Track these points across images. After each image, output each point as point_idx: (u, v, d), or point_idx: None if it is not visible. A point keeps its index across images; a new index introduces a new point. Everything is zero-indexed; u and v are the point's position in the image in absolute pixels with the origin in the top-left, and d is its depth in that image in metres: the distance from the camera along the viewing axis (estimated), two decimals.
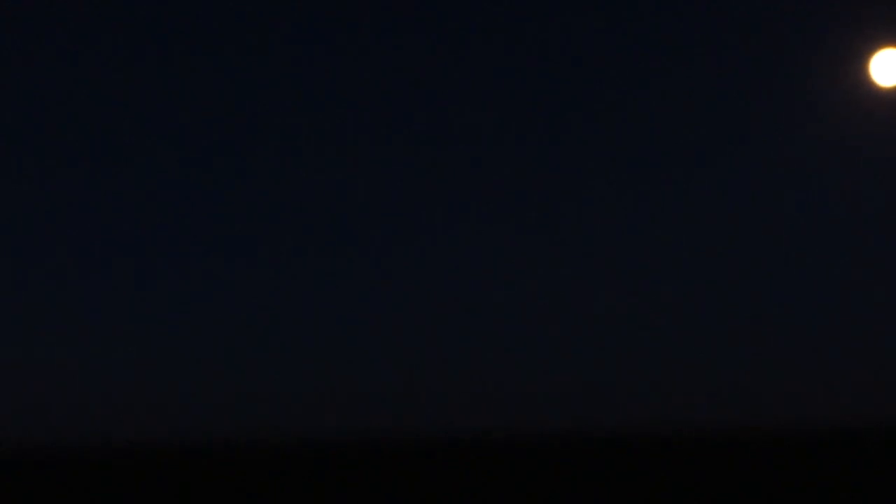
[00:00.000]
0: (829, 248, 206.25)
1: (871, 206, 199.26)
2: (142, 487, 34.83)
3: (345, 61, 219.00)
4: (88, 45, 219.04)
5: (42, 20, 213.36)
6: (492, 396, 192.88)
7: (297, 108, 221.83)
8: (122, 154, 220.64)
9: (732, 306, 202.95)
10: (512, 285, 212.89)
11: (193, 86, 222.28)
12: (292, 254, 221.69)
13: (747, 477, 32.42)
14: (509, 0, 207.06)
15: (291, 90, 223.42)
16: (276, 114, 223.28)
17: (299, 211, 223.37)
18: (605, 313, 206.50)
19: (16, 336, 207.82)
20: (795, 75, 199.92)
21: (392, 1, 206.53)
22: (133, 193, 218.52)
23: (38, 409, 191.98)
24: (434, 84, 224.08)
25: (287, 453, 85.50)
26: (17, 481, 42.18)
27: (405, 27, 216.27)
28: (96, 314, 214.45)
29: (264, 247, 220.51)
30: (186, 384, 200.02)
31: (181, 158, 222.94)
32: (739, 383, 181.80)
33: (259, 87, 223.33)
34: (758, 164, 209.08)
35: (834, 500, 22.71)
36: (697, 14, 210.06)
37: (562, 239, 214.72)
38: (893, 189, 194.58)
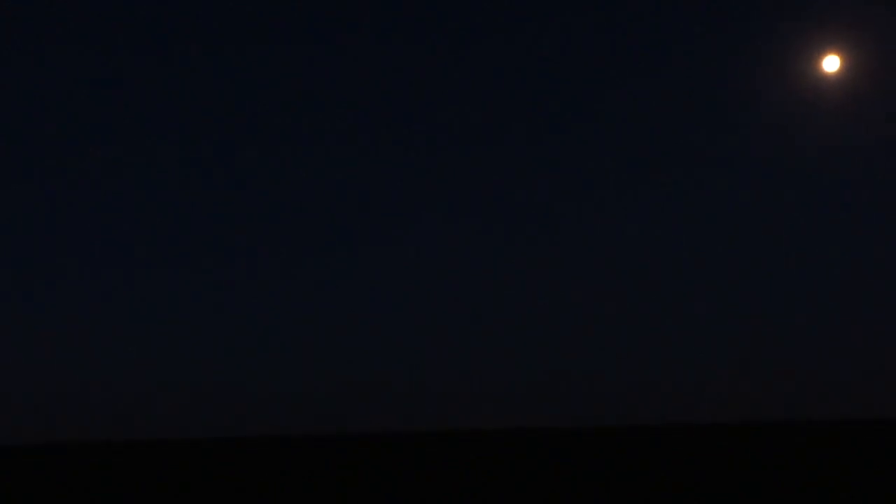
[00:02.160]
0: (808, 243, 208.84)
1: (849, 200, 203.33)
2: (142, 486, 34.93)
3: (344, 61, 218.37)
4: (88, 46, 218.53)
5: (42, 20, 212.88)
6: (488, 394, 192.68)
7: (296, 109, 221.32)
8: (123, 154, 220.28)
9: (721, 304, 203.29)
10: (510, 285, 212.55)
11: (193, 86, 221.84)
12: (292, 253, 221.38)
13: (746, 476, 32.54)
14: (503, 0, 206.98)
15: (291, 90, 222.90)
16: (276, 114, 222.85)
17: (299, 211, 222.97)
18: (604, 313, 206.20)
19: (17, 335, 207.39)
20: (755, 80, 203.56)
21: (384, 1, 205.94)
22: (133, 193, 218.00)
23: (39, 408, 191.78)
24: (432, 85, 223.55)
25: (285, 450, 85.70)
26: (18, 480, 42.29)
27: (402, 27, 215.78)
28: (97, 313, 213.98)
29: (264, 247, 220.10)
30: (186, 383, 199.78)
31: (181, 158, 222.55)
32: (737, 382, 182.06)
33: (259, 88, 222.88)
34: (732, 163, 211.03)
35: (833, 497, 22.81)
36: (667, 16, 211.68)
37: (559, 239, 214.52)
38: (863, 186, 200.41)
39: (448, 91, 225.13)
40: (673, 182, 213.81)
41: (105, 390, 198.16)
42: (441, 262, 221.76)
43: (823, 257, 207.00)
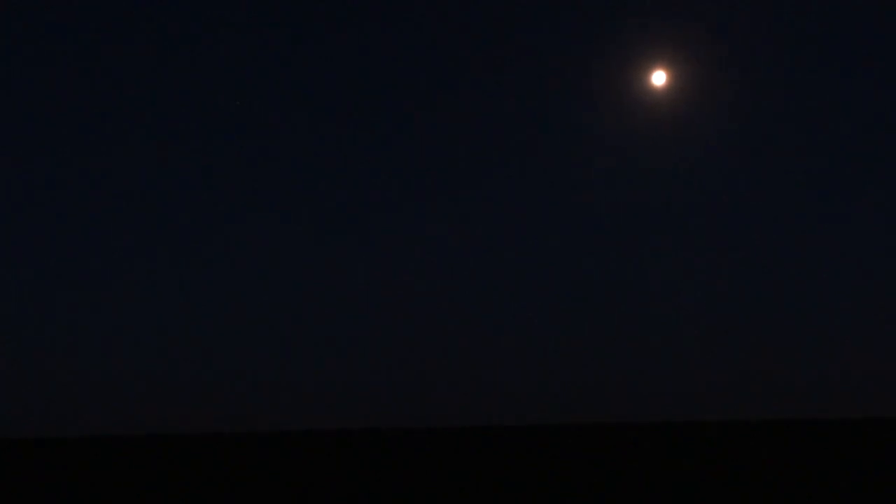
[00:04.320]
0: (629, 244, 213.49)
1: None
2: (141, 483, 34.97)
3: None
4: (85, 45, 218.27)
5: (42, 19, 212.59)
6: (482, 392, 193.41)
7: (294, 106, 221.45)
8: (124, 150, 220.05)
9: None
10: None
11: (194, 83, 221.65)
12: (290, 251, 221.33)
13: (743, 475, 32.57)
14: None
15: (288, 88, 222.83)
16: (274, 110, 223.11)
17: (297, 205, 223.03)
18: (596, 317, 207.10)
19: (19, 332, 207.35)
20: (586, 89, 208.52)
21: None
22: (134, 188, 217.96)
23: (40, 404, 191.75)
24: (433, 81, 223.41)
25: (284, 446, 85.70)
26: (19, 477, 42.31)
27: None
28: (97, 311, 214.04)
29: (263, 243, 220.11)
30: (187, 380, 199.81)
31: (182, 153, 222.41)
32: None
33: (258, 86, 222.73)
34: (561, 172, 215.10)
35: (832, 496, 22.89)
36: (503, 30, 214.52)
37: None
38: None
39: (450, 92, 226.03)
40: (501, 190, 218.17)
41: (102, 385, 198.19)
42: (434, 259, 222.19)
43: (668, 265, 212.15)
